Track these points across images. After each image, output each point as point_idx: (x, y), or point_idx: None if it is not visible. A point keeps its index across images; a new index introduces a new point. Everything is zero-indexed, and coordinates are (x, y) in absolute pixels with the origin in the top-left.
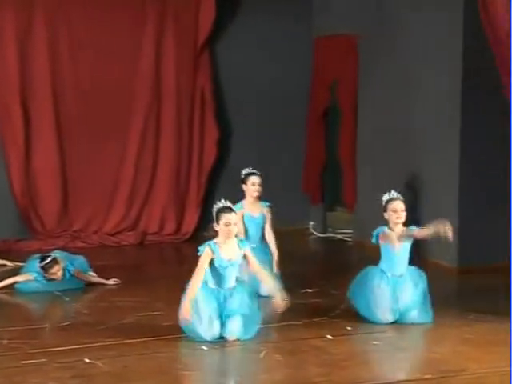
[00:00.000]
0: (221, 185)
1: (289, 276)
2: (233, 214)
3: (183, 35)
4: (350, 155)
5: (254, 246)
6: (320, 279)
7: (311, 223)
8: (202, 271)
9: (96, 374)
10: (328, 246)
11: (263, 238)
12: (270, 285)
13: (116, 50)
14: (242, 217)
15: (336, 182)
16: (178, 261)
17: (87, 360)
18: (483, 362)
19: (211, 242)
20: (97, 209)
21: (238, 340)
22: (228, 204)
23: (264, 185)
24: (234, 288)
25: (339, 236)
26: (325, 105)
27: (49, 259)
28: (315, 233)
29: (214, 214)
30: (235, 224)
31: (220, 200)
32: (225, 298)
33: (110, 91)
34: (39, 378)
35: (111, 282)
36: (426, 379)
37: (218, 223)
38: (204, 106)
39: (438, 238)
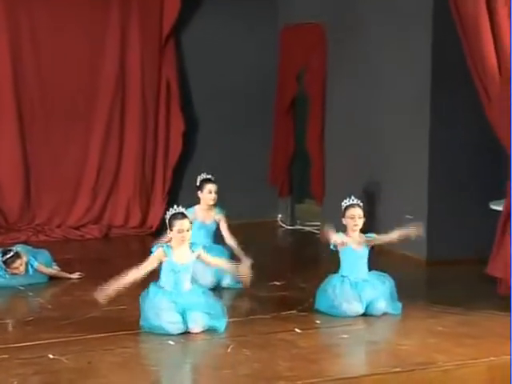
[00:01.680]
0: (187, 178)
1: (256, 268)
2: (186, 220)
3: (148, 25)
4: (318, 146)
5: (208, 245)
6: (288, 272)
7: (279, 215)
8: (146, 268)
9: (60, 370)
10: (296, 239)
11: (214, 241)
12: (232, 267)
13: (80, 38)
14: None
15: (304, 173)
16: (143, 254)
17: (51, 356)
18: (452, 354)
19: (165, 245)
20: (60, 202)
21: (204, 331)
22: (181, 210)
23: (231, 178)
24: (190, 290)
25: (308, 228)
26: (292, 94)
27: (11, 253)
28: (283, 225)
29: (167, 220)
30: (188, 230)
31: (175, 205)
32: (182, 298)
33: (74, 80)
34: (1, 375)
35: (75, 275)
36: (395, 372)
37: (171, 229)
38: (170, 98)
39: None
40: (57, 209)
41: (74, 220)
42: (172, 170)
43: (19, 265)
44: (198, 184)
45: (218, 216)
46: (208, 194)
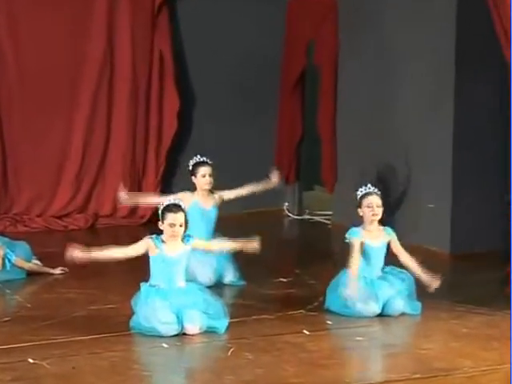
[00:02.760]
0: (183, 162)
1: (260, 263)
2: (180, 213)
3: None
4: (329, 127)
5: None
6: (295, 267)
7: (285, 204)
8: (128, 252)
9: (41, 376)
10: (304, 230)
11: (214, 234)
12: (238, 243)
13: (62, 9)
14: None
15: (313, 157)
16: None
17: (31, 360)
18: (478, 359)
19: (155, 237)
20: (41, 189)
21: (201, 333)
22: (176, 202)
23: (232, 162)
24: (184, 288)
25: (317, 218)
26: (300, 68)
27: None
28: (290, 214)
29: (160, 211)
30: (181, 226)
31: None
32: (177, 297)
33: (56, 54)
34: None
35: (58, 271)
36: (415, 379)
37: (162, 222)
38: (163, 73)
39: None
40: (37, 196)
41: (57, 209)
42: (166, 153)
43: None
44: (190, 168)
45: (216, 198)
46: (202, 178)
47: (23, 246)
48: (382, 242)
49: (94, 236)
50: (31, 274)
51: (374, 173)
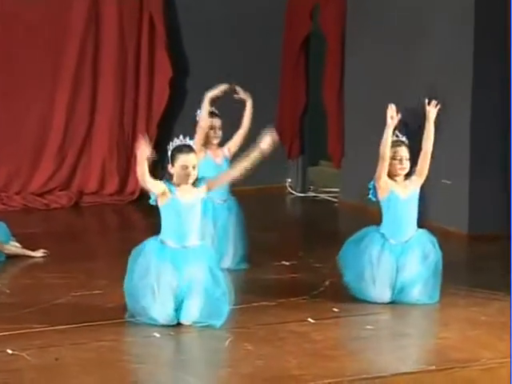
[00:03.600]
0: (176, 134)
1: (261, 245)
2: (192, 154)
3: None
4: (336, 97)
5: (223, 201)
6: (299, 249)
7: (288, 180)
8: (151, 179)
9: (21, 369)
10: (309, 208)
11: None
12: (250, 159)
13: None
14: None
15: (319, 130)
16: (121, 227)
17: (10, 351)
18: (498, 349)
19: (166, 181)
20: (20, 163)
21: (197, 324)
22: (187, 142)
23: (229, 135)
24: (197, 250)
25: (323, 196)
26: (304, 34)
27: None
28: (293, 192)
29: (169, 153)
30: (194, 168)
31: (178, 137)
32: (186, 263)
33: (36, 17)
34: None
35: (39, 253)
36: (431, 371)
37: (173, 165)
38: (153, 37)
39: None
40: (16, 172)
41: (38, 185)
42: (157, 125)
43: None
44: (197, 119)
45: (225, 150)
46: (211, 131)
47: (0, 227)
48: (411, 193)
49: (78, 215)
50: (10, 257)
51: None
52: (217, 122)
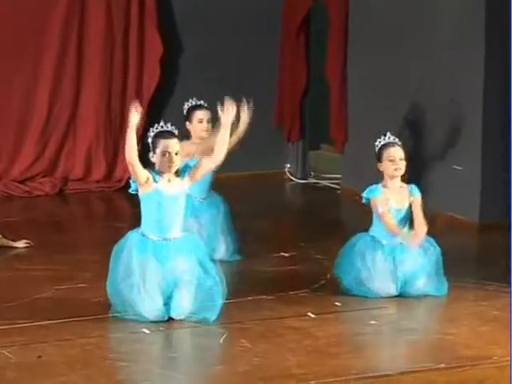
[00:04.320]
0: (167, 116)
1: (258, 235)
2: (173, 139)
3: None
4: (339, 76)
5: (202, 199)
6: (299, 240)
7: (287, 166)
8: (139, 165)
9: (2, 367)
10: (310, 196)
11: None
12: (226, 131)
13: None
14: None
15: (320, 111)
16: (108, 216)
17: None
18: (510, 346)
19: (150, 169)
20: (0, 149)
21: (189, 318)
22: (168, 128)
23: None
24: (180, 241)
25: (324, 182)
26: (305, 9)
27: None
28: (292, 178)
29: (150, 140)
30: (177, 154)
31: (159, 123)
32: (169, 255)
33: None
34: None
35: (21, 244)
36: (439, 369)
37: (154, 152)
38: (143, 12)
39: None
40: None
41: (19, 171)
42: (147, 107)
43: None
44: (185, 113)
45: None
46: (198, 123)
47: None
48: (406, 204)
49: (63, 203)
50: None
51: (391, 128)
52: (205, 114)
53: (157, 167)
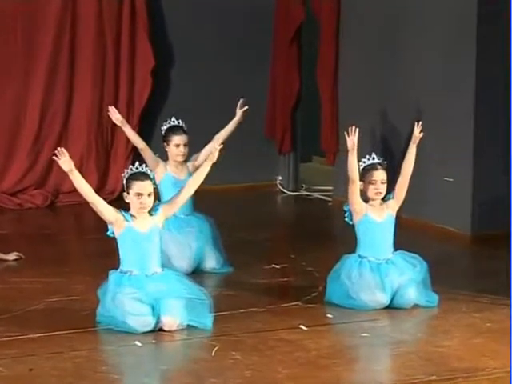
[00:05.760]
0: (158, 128)
1: (249, 247)
2: (147, 181)
3: None
4: (330, 87)
5: (183, 216)
6: (291, 252)
7: (279, 178)
8: (104, 204)
9: None
10: (301, 208)
11: (194, 206)
12: (207, 162)
13: None
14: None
15: (312, 122)
16: (100, 229)
17: None
18: (503, 358)
19: (123, 210)
20: None
21: (180, 327)
22: (143, 169)
23: (214, 127)
24: (160, 274)
25: (315, 194)
26: (298, 20)
27: None
28: (284, 190)
29: (124, 180)
30: (150, 195)
31: (140, 163)
32: (153, 284)
33: (10, 3)
34: None
35: (12, 256)
36: (431, 381)
37: (128, 192)
38: (135, 23)
39: None
40: None
41: (10, 184)
42: (139, 118)
43: None
44: (163, 134)
45: (189, 166)
46: (175, 148)
47: None
48: (387, 216)
49: (54, 216)
50: None
51: (383, 138)
52: (182, 139)
53: (131, 208)
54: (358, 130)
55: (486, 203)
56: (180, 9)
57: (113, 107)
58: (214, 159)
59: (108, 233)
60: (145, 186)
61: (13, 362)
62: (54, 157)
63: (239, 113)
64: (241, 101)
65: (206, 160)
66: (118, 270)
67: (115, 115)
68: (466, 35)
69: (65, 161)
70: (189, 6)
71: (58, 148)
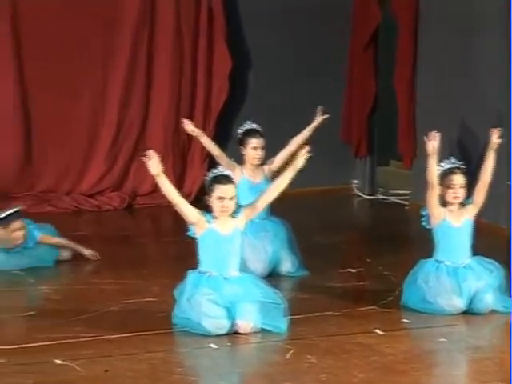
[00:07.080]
0: (235, 131)
1: (325, 251)
2: (230, 185)
3: None
4: (407, 91)
5: (259, 220)
6: (366, 256)
7: (355, 182)
8: (187, 205)
9: (69, 380)
10: (377, 212)
11: (270, 210)
12: (291, 170)
13: None
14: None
15: (389, 127)
16: (178, 231)
17: (58, 361)
18: None
19: (205, 212)
20: (70, 162)
21: (255, 330)
22: (225, 172)
23: (291, 132)
24: (238, 277)
25: (392, 198)
26: (375, 22)
27: (10, 211)
28: (360, 194)
29: (207, 184)
30: (231, 199)
31: (216, 167)
32: (229, 287)
33: (89, 8)
34: None
35: (89, 252)
36: None
37: (210, 196)
38: (212, 27)
39: None
40: (66, 171)
41: (88, 186)
42: (215, 121)
43: (20, 227)
44: (239, 137)
45: (266, 170)
46: (252, 150)
47: (48, 229)
48: (465, 221)
49: (132, 218)
50: (59, 263)
51: (461, 145)
52: (259, 142)
53: (213, 211)
54: (439, 134)
55: None
56: (256, 11)
57: (187, 120)
58: (299, 166)
59: (189, 233)
60: (227, 190)
61: (89, 363)
62: (144, 157)
63: (319, 119)
64: (320, 107)
65: (290, 166)
66: (197, 270)
67: (189, 127)
68: None
69: (153, 163)
70: (264, 8)
71: (149, 150)
